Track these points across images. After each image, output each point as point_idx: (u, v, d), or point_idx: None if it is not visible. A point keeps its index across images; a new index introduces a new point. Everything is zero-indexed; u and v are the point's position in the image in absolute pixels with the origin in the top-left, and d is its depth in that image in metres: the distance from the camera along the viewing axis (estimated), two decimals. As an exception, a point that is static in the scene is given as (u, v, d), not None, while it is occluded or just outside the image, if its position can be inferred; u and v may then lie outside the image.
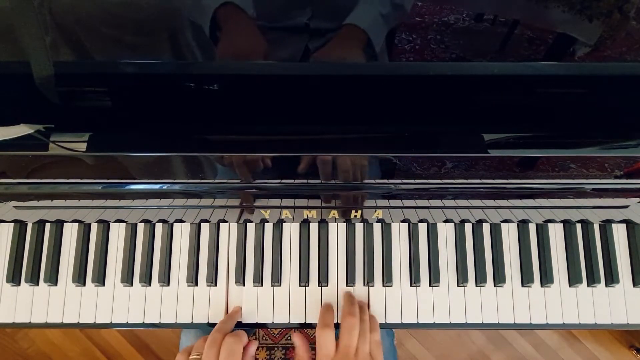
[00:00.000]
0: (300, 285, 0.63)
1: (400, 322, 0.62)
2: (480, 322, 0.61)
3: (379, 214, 0.60)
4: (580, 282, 0.62)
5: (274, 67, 0.48)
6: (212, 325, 0.61)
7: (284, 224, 0.64)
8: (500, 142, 0.46)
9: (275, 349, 1.35)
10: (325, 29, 0.46)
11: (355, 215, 0.61)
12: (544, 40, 0.46)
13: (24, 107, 0.48)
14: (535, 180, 0.50)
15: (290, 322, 0.62)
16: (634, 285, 0.62)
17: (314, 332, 0.57)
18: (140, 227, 0.64)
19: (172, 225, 0.64)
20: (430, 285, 0.62)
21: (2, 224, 0.64)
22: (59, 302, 0.62)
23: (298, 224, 0.64)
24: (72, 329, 1.33)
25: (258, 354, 1.35)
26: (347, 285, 0.62)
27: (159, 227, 0.64)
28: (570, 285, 0.62)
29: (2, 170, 0.48)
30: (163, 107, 0.50)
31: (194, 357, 0.53)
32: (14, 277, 0.62)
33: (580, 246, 0.63)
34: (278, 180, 0.50)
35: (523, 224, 0.64)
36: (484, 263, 0.62)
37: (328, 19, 0.46)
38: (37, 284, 0.63)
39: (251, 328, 0.86)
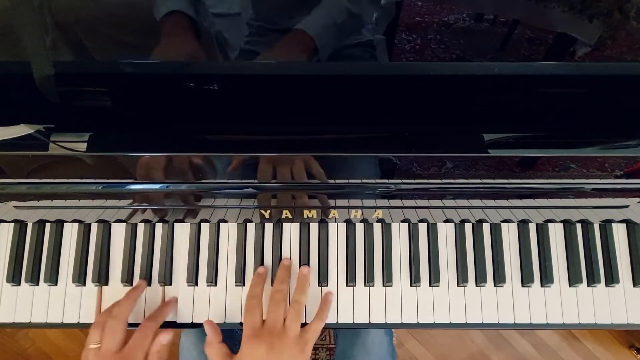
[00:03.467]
0: (300, 285, 0.63)
1: (400, 322, 0.62)
2: (480, 322, 0.61)
3: (379, 214, 0.60)
4: (580, 282, 0.62)
5: (274, 67, 0.48)
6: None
7: (284, 224, 0.64)
8: (500, 142, 0.46)
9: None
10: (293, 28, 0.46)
11: (355, 215, 0.61)
12: (544, 40, 0.46)
13: (24, 107, 0.48)
14: (535, 180, 0.50)
15: (290, 322, 0.62)
16: (634, 285, 0.62)
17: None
18: (140, 227, 0.64)
19: (172, 225, 0.64)
20: (430, 285, 0.62)
21: (2, 224, 0.64)
22: (59, 302, 0.62)
23: (298, 224, 0.64)
24: (72, 329, 1.33)
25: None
26: (347, 285, 0.62)
27: (159, 227, 0.64)
28: (570, 285, 0.62)
29: (2, 170, 0.48)
30: (163, 107, 0.50)
31: (93, 346, 0.51)
32: (14, 277, 0.62)
33: (580, 246, 0.63)
34: (278, 180, 0.50)
35: (523, 224, 0.64)
36: (484, 263, 0.62)
37: None
38: (37, 284, 0.63)
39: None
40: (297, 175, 0.49)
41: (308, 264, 0.63)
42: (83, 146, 0.45)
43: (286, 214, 0.60)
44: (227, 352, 0.55)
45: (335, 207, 0.59)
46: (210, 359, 0.55)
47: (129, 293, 0.58)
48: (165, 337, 0.55)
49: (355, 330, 0.73)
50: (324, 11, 0.45)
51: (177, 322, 0.62)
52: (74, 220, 0.64)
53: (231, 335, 0.79)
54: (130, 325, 0.58)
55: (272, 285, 0.61)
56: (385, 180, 0.51)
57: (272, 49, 0.47)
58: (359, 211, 0.60)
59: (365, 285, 0.62)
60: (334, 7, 0.45)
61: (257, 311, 0.55)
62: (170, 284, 0.62)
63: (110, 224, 0.64)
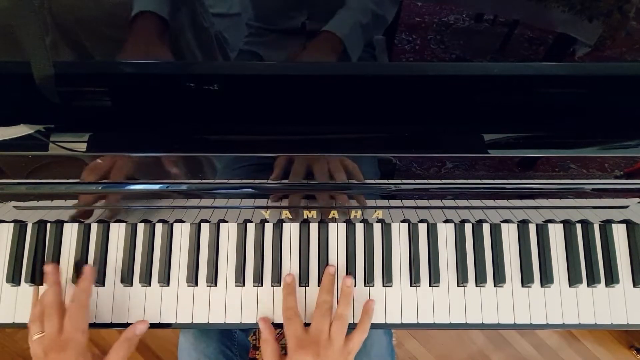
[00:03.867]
0: (300, 286, 0.63)
1: (400, 322, 0.62)
2: (480, 322, 0.61)
3: (379, 214, 0.60)
4: (580, 282, 0.62)
5: (274, 67, 0.48)
6: (213, 325, 0.61)
7: (284, 224, 0.64)
8: (500, 142, 0.46)
9: (275, 349, 1.34)
10: (321, 30, 0.46)
11: (355, 215, 0.61)
12: (544, 40, 0.46)
13: (24, 107, 0.48)
14: (535, 181, 0.50)
15: (290, 322, 0.62)
16: (634, 285, 0.62)
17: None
18: (140, 227, 0.64)
19: (172, 225, 0.64)
20: (430, 286, 0.62)
21: (2, 224, 0.64)
22: (59, 302, 0.62)
23: (298, 224, 0.64)
24: (72, 329, 1.33)
25: (258, 354, 1.34)
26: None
27: (159, 227, 0.64)
28: (570, 286, 0.62)
29: (2, 170, 0.48)
30: (163, 107, 0.50)
31: (37, 336, 0.54)
32: (14, 277, 0.62)
33: (580, 246, 0.63)
34: (278, 181, 0.50)
35: (523, 224, 0.64)
36: (484, 263, 0.62)
37: (324, 20, 0.46)
38: (37, 284, 0.63)
39: (251, 328, 0.86)
40: (298, 175, 0.49)
41: (308, 264, 0.63)
42: (83, 146, 0.45)
43: (286, 214, 0.60)
44: (279, 352, 0.57)
45: (335, 207, 0.59)
46: (265, 354, 0.57)
47: (48, 280, 0.58)
48: (140, 327, 0.58)
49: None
50: (349, 12, 0.44)
51: (177, 322, 0.62)
52: (74, 221, 0.64)
53: (230, 336, 0.79)
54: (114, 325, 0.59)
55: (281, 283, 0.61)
56: (385, 181, 0.51)
57: (300, 51, 0.47)
58: (359, 211, 0.60)
59: (365, 286, 0.62)
60: (359, 8, 0.44)
61: (296, 321, 0.56)
62: (168, 285, 0.62)
63: (109, 224, 0.64)
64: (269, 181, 0.50)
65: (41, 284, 0.62)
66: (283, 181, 0.50)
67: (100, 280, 0.62)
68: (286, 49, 0.48)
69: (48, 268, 0.59)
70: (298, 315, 0.57)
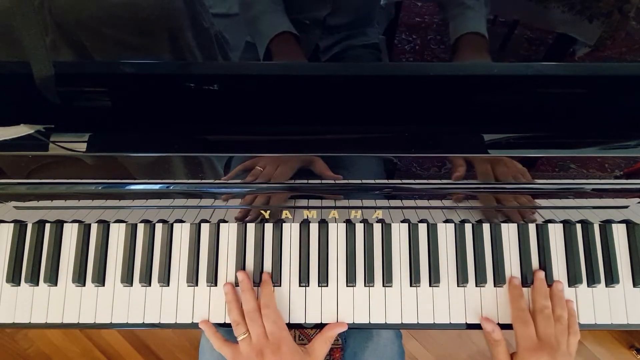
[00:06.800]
0: (300, 286, 0.63)
1: (400, 322, 0.62)
2: (481, 322, 0.61)
3: (379, 214, 0.60)
4: (580, 282, 0.62)
5: (274, 67, 0.48)
6: (214, 325, 0.61)
7: (284, 224, 0.64)
8: (500, 142, 0.46)
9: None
10: (339, 27, 0.45)
11: (355, 215, 0.61)
12: (544, 41, 0.46)
13: (24, 107, 0.48)
14: (535, 181, 0.50)
15: (290, 322, 0.62)
16: (634, 285, 0.62)
17: (314, 333, 0.57)
18: (140, 227, 0.64)
19: (172, 225, 0.64)
20: (430, 286, 0.62)
21: (2, 224, 0.64)
22: (59, 302, 0.62)
23: (298, 224, 0.64)
24: (72, 329, 1.33)
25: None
26: (347, 286, 0.62)
27: (159, 227, 0.64)
28: (570, 286, 0.62)
29: (2, 170, 0.48)
30: (163, 107, 0.50)
31: (243, 337, 0.57)
32: (14, 277, 0.62)
33: (580, 246, 0.63)
34: (278, 180, 0.50)
35: (523, 224, 0.64)
36: (484, 263, 0.62)
37: (346, 17, 0.45)
38: (37, 284, 0.63)
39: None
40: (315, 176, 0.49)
41: (308, 264, 0.63)
42: (83, 146, 0.45)
43: (286, 214, 0.60)
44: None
45: (335, 207, 0.59)
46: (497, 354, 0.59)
47: (244, 287, 0.60)
48: (340, 328, 0.60)
49: (367, 332, 0.73)
50: (477, 10, 0.45)
51: (177, 322, 0.62)
52: (74, 221, 0.64)
53: None
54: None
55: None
56: (385, 181, 0.51)
57: (452, 58, 0.47)
58: (359, 211, 0.59)
59: (365, 286, 0.62)
60: (476, 4, 0.45)
61: (532, 324, 0.58)
62: (168, 285, 0.62)
63: (109, 224, 0.64)
64: (272, 182, 0.50)
65: (48, 284, 0.62)
66: (284, 182, 0.50)
67: (100, 281, 0.62)
68: (303, 43, 0.47)
69: (241, 276, 0.61)
70: (529, 321, 0.58)
